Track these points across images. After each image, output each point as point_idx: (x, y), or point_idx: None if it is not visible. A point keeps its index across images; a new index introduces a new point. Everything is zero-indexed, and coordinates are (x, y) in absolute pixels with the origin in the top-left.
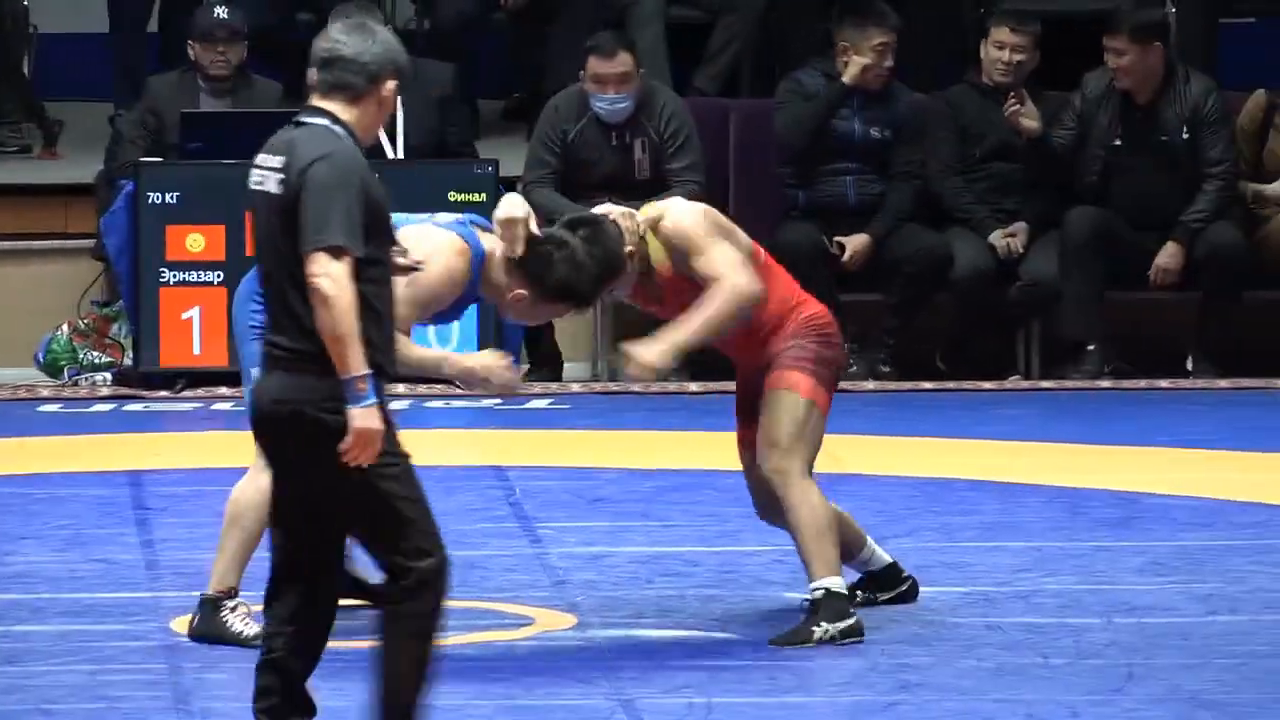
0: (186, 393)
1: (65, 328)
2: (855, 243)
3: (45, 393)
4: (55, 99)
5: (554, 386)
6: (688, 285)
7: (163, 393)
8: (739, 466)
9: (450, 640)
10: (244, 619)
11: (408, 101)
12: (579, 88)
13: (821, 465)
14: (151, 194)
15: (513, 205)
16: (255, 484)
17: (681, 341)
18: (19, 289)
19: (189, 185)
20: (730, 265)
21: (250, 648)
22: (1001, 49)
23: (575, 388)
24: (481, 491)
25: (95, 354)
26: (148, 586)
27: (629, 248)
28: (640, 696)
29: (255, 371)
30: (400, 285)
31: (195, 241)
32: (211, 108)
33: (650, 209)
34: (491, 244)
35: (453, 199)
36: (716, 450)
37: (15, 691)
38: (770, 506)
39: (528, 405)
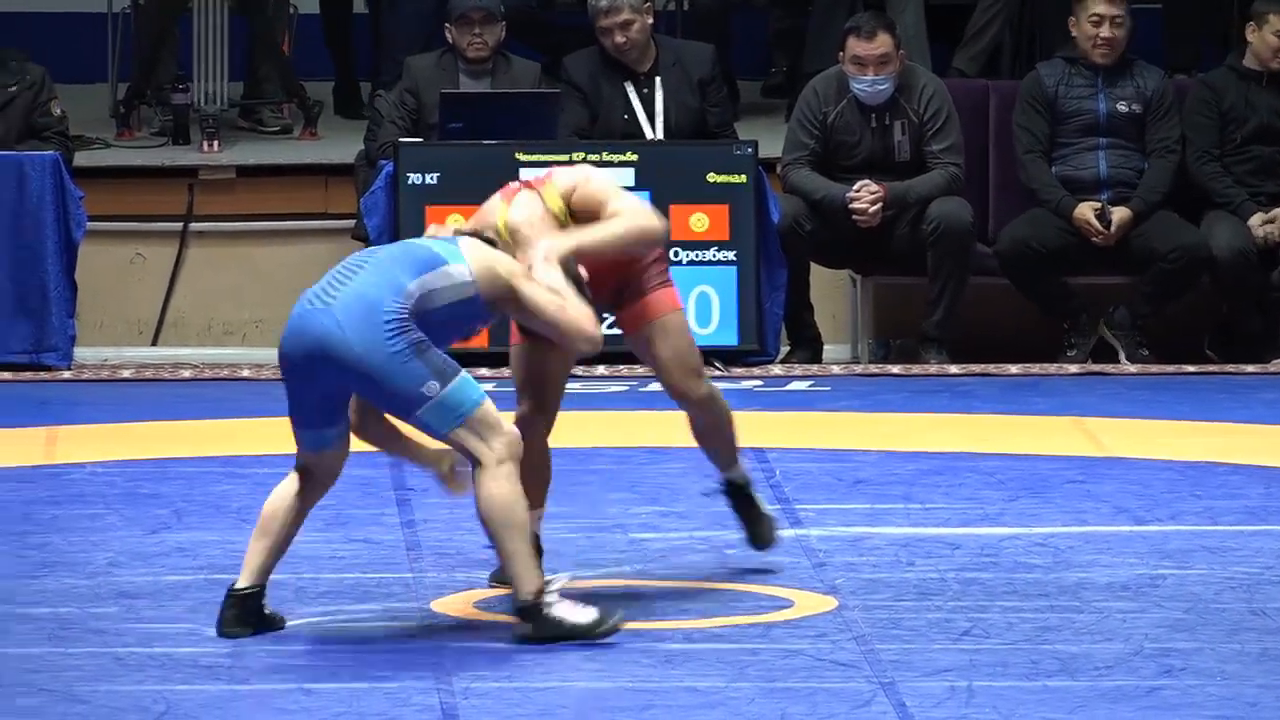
0: None
1: None
2: (1120, 214)
3: None
4: (315, 79)
5: (814, 369)
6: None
7: None
8: (1001, 449)
9: (710, 622)
10: (569, 607)
11: (667, 83)
12: (838, 69)
13: (1082, 448)
14: (411, 175)
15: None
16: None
17: (572, 246)
18: (280, 269)
19: (448, 166)
20: (635, 201)
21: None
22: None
23: (835, 370)
24: None
25: None
26: (408, 567)
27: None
28: (901, 679)
29: (434, 384)
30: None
31: (455, 222)
32: (471, 89)
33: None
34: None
35: (711, 180)
36: (978, 432)
37: (279, 671)
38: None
39: (788, 387)
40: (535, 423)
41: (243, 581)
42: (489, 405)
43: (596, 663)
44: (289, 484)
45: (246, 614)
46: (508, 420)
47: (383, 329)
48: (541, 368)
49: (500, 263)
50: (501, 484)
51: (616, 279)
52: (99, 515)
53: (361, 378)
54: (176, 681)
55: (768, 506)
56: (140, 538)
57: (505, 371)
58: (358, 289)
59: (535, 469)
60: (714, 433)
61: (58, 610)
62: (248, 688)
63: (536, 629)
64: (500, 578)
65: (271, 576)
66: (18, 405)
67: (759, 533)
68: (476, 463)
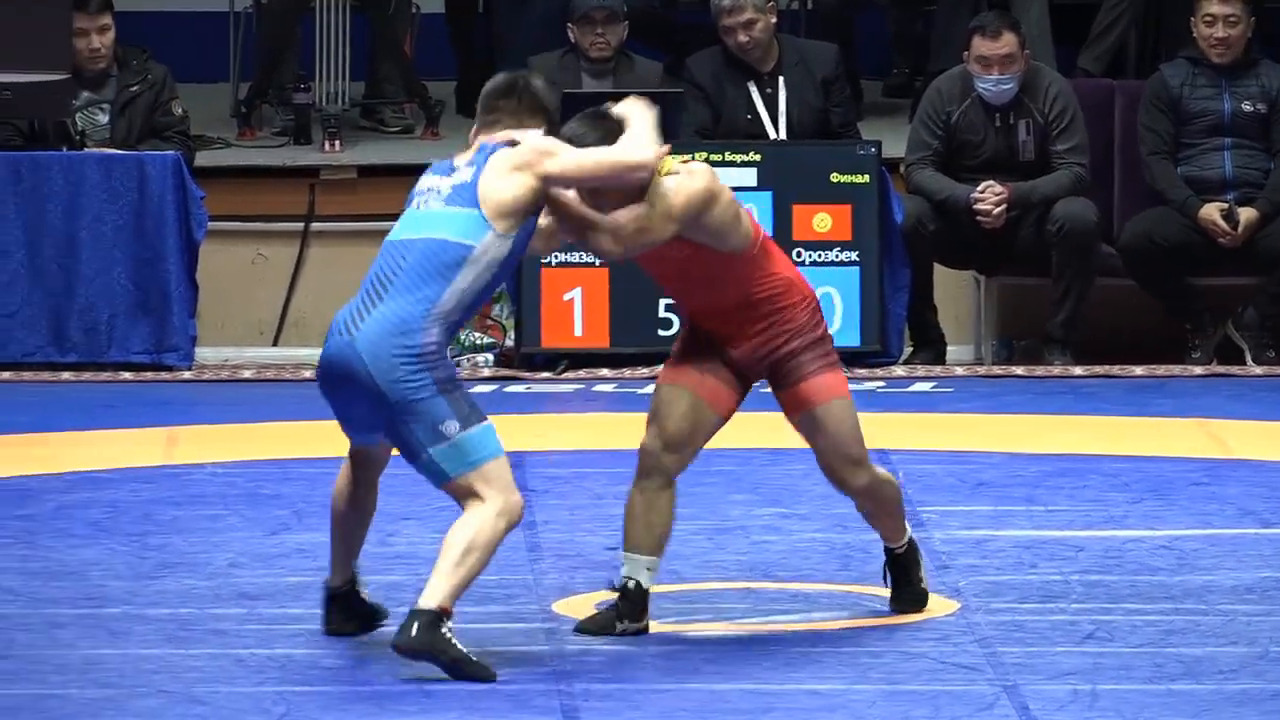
0: (568, 374)
1: None
2: (1247, 215)
3: None
4: (437, 79)
5: (937, 370)
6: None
7: (544, 374)
8: (1125, 451)
9: (831, 625)
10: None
11: (790, 82)
12: (962, 69)
13: (1207, 450)
14: None
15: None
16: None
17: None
18: None
19: None
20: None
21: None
22: None
23: (959, 371)
24: None
25: (477, 335)
26: (529, 568)
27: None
28: (1024, 683)
29: (453, 425)
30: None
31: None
32: (593, 88)
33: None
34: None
35: (835, 180)
36: (1101, 434)
37: (399, 672)
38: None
39: (911, 388)
40: (658, 464)
41: (334, 581)
42: (504, 463)
43: (717, 664)
44: (344, 472)
45: (347, 611)
46: (517, 492)
47: (406, 364)
48: (693, 414)
49: (526, 175)
50: (489, 525)
51: (768, 354)
52: (219, 516)
53: (384, 410)
54: (297, 683)
55: (924, 583)
56: (261, 539)
57: (627, 373)
58: (383, 316)
59: (653, 525)
60: (878, 517)
61: (178, 611)
62: (368, 689)
63: (424, 638)
64: (617, 586)
65: (392, 578)
66: (139, 406)
67: (900, 604)
68: (475, 499)
